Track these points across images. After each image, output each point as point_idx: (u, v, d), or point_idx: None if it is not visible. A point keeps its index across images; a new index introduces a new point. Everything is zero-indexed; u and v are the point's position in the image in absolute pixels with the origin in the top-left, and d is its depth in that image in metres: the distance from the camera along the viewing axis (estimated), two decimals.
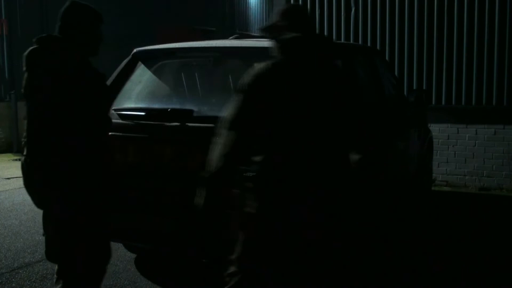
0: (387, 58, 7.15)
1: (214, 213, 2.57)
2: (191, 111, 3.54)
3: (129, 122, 3.67)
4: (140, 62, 4.13)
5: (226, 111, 2.54)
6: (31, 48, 2.82)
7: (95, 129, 2.80)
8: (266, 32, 2.69)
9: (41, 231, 4.89)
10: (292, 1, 7.58)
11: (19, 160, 3.35)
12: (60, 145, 2.71)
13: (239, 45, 4.18)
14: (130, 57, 4.16)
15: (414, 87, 7.03)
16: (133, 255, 4.52)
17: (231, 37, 4.76)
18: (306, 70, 2.51)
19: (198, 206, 2.54)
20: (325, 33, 7.52)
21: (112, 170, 2.98)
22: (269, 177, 2.55)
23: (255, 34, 18.31)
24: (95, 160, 2.80)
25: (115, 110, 3.80)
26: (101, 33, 2.92)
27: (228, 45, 4.16)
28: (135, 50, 4.18)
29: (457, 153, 7.02)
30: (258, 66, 2.52)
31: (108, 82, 4.04)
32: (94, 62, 2.85)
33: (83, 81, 2.73)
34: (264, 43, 4.25)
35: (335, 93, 2.54)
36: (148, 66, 4.15)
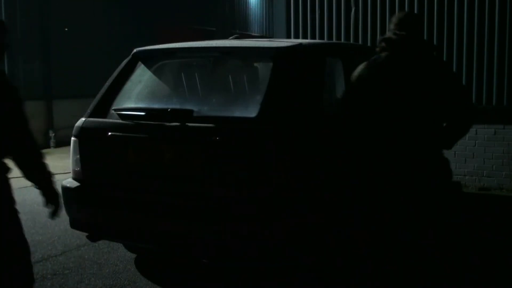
0: None
1: None
2: (191, 111, 3.54)
3: (129, 122, 3.67)
4: (140, 62, 4.13)
5: (342, 96, 3.33)
6: None
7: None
8: (383, 35, 3.34)
9: (41, 231, 4.90)
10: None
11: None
12: None
13: (239, 45, 4.18)
14: (130, 57, 4.16)
15: None
16: (133, 255, 4.52)
17: (231, 37, 4.77)
18: (406, 63, 3.13)
19: None
20: (323, 32, 7.54)
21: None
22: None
23: (255, 34, 18.33)
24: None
25: (115, 110, 3.80)
26: (6, 42, 2.75)
27: (228, 45, 4.17)
28: (135, 50, 4.18)
29: (457, 153, 7.01)
30: (368, 61, 3.23)
31: (108, 82, 4.05)
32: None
33: None
34: (264, 43, 4.27)
35: (435, 83, 3.12)
36: (148, 66, 4.15)
